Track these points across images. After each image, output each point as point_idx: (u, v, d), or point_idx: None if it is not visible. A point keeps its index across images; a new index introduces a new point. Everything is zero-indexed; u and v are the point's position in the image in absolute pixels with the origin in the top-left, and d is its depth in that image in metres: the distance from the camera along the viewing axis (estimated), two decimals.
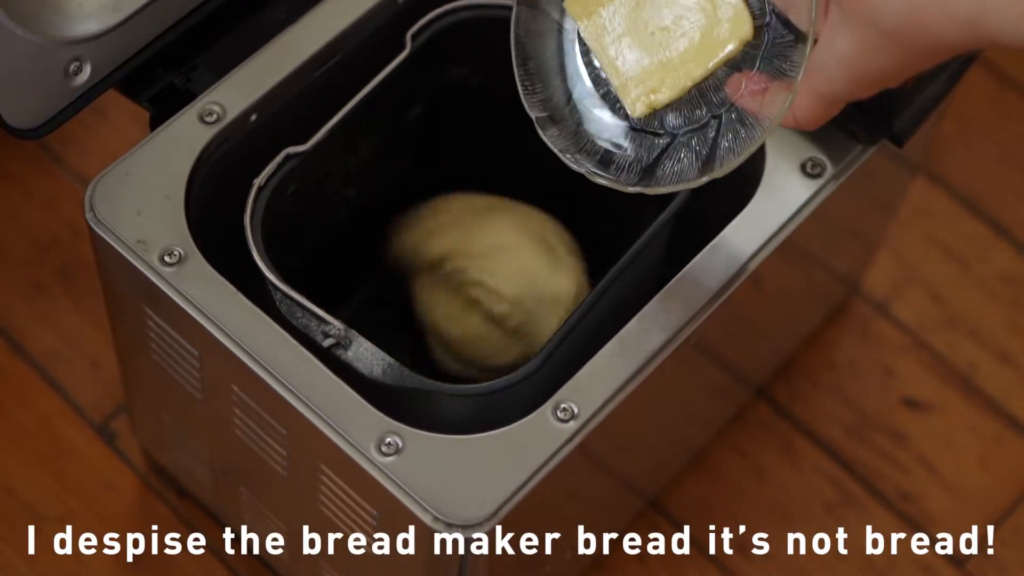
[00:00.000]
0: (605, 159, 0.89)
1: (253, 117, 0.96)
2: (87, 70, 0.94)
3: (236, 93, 0.96)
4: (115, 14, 0.94)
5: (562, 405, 0.88)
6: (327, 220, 1.08)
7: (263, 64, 0.97)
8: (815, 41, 0.81)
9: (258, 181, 0.94)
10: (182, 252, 0.91)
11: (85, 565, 1.16)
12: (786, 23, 0.84)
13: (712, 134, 0.86)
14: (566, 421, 0.88)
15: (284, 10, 0.99)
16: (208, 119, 0.95)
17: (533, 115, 0.89)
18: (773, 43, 0.85)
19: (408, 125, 1.08)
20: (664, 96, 0.87)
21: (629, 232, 1.13)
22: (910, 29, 0.75)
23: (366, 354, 0.89)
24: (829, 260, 1.18)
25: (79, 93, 0.95)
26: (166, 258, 0.91)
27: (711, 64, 0.86)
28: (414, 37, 0.99)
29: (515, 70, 0.90)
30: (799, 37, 0.83)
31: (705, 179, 0.86)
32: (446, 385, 0.91)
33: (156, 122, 0.96)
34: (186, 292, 0.91)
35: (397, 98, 1.02)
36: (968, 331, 1.28)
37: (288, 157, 0.95)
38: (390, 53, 0.99)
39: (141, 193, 0.93)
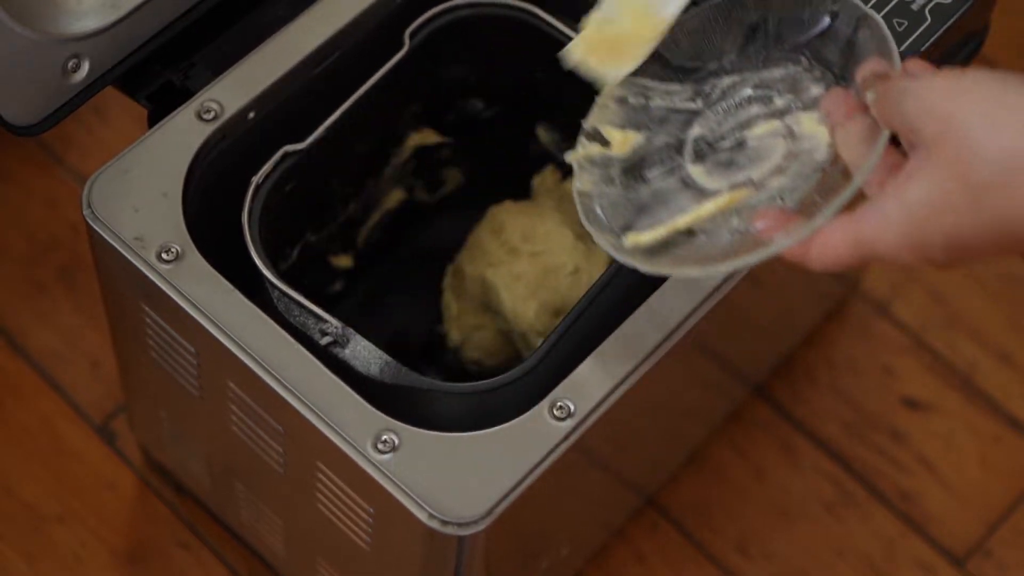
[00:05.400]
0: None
1: (251, 115, 0.96)
2: (85, 67, 0.94)
3: (234, 91, 0.96)
4: (114, 11, 0.94)
5: (558, 403, 0.88)
6: (325, 217, 1.08)
7: (261, 62, 0.97)
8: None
9: (256, 179, 0.94)
10: (179, 249, 0.91)
11: (85, 564, 1.16)
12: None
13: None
14: (562, 419, 0.88)
15: (282, 7, 0.99)
16: (206, 116, 0.95)
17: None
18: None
19: (406, 123, 1.08)
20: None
21: None
22: (1000, 187, 0.68)
23: (363, 352, 0.89)
24: None
25: (77, 90, 0.95)
26: (163, 255, 0.91)
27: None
28: (412, 35, 0.99)
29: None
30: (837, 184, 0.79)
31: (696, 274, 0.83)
32: (443, 383, 0.91)
33: (154, 119, 0.96)
34: (183, 289, 0.90)
35: (395, 96, 1.02)
36: (968, 331, 1.28)
37: (286, 155, 0.95)
38: (388, 51, 0.99)
39: (138, 190, 0.93)
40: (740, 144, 0.84)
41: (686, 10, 0.88)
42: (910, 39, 0.95)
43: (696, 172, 0.86)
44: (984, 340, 1.28)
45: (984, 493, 1.22)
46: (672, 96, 0.88)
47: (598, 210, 0.86)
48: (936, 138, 0.71)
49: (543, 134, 1.11)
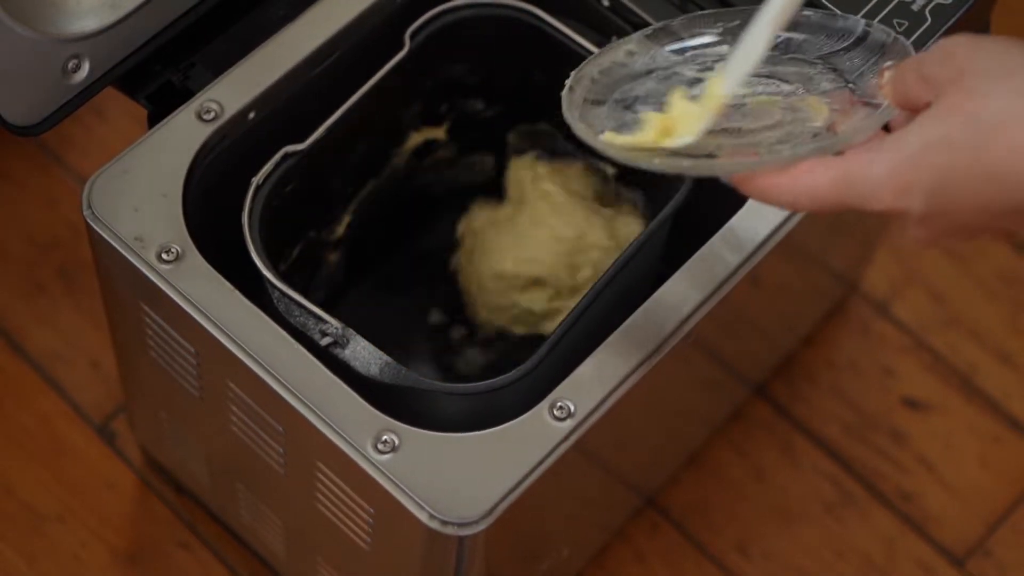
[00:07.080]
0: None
1: (251, 115, 0.96)
2: (85, 67, 0.94)
3: (234, 91, 0.96)
4: (114, 11, 0.94)
5: (558, 403, 0.88)
6: (325, 218, 1.08)
7: (261, 62, 0.97)
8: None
9: (256, 179, 0.94)
10: (179, 250, 0.91)
11: (85, 564, 1.16)
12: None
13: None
14: (562, 420, 0.88)
15: (282, 8, 0.99)
16: (206, 117, 0.95)
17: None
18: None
19: (406, 123, 1.08)
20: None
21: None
22: (1007, 127, 0.68)
23: (363, 352, 0.89)
24: (828, 259, 1.18)
25: (78, 90, 0.94)
26: (163, 255, 0.91)
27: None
28: (413, 35, 0.99)
29: None
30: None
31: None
32: (443, 384, 0.91)
33: (154, 120, 0.96)
34: (183, 290, 0.90)
35: (395, 96, 1.02)
36: (968, 331, 1.28)
37: (286, 155, 0.95)
38: (389, 51, 0.99)
39: (139, 190, 0.93)
40: (738, 105, 0.84)
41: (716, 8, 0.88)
42: (910, 39, 0.95)
43: None
44: (984, 340, 1.28)
45: (984, 493, 1.22)
46: (679, 65, 0.88)
47: (583, 107, 0.85)
48: (950, 83, 0.71)
49: None
